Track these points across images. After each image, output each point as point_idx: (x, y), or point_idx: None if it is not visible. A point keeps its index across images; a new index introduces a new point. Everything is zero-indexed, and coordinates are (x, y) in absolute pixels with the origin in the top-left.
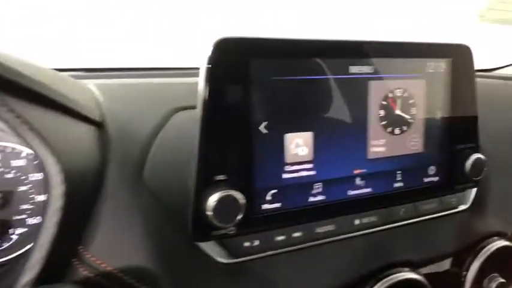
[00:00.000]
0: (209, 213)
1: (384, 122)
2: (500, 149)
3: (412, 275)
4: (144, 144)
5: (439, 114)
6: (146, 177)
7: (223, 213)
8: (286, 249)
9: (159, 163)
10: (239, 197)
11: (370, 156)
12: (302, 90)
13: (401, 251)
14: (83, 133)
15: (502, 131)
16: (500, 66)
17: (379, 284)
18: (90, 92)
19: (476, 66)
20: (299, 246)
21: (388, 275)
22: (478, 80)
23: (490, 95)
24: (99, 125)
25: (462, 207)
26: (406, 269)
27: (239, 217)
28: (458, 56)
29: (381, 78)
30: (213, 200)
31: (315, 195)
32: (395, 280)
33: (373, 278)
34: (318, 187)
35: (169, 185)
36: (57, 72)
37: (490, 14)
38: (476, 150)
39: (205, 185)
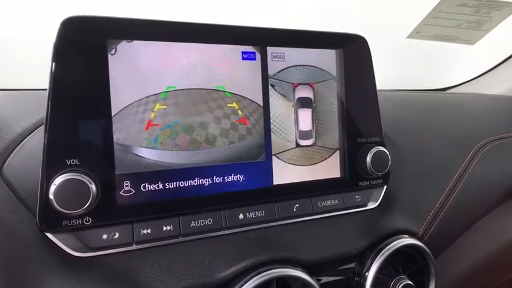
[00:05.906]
0: (51, 197)
1: None
2: (419, 148)
3: (295, 272)
4: (14, 139)
5: (334, 106)
6: (7, 169)
7: (68, 199)
8: (155, 243)
9: (24, 157)
10: (88, 182)
11: None
12: None
13: (294, 249)
14: None
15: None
16: (452, 85)
17: (252, 280)
18: None
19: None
20: (172, 241)
21: (265, 271)
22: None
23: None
24: None
25: (371, 206)
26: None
27: (90, 205)
28: (351, 46)
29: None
30: (55, 183)
31: (191, 184)
32: (272, 276)
33: (249, 273)
34: (194, 176)
35: (31, 178)
36: None
37: (425, 30)
38: (380, 144)
39: (55, 170)
